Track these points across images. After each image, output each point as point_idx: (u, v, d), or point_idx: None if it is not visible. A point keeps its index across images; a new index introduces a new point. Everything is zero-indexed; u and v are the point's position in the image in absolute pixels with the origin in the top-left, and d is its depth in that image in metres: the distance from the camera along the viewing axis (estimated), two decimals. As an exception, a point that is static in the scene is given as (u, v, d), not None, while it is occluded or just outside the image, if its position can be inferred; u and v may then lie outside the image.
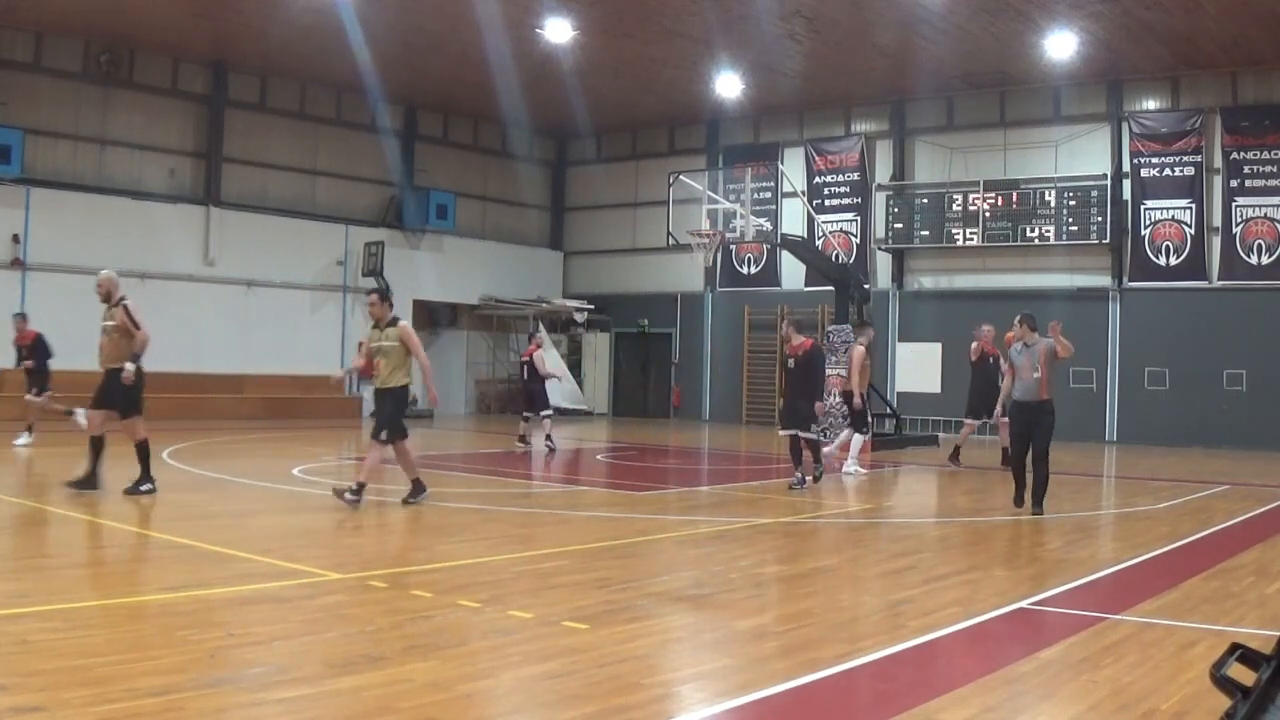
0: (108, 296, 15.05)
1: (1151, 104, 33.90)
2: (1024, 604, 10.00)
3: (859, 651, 8.21)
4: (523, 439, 27.69)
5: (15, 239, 31.97)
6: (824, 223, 37.71)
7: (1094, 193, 33.99)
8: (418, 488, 16.20)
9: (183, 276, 34.26)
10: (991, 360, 23.10)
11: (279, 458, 22.87)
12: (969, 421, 23.94)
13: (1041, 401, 16.31)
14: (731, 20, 29.64)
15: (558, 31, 30.21)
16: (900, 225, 36.89)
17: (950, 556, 12.88)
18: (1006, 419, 18.71)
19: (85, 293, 31.00)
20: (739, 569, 10.41)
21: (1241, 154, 32.42)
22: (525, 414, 27.95)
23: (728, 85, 35.14)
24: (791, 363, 19.41)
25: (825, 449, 21.61)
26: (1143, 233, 33.70)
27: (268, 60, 35.48)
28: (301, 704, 6.68)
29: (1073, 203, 34.13)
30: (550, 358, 41.57)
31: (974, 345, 23.57)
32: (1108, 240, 33.74)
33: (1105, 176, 34.03)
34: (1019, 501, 16.66)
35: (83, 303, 29.71)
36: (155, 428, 24.57)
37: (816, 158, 38.91)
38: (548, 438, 26.89)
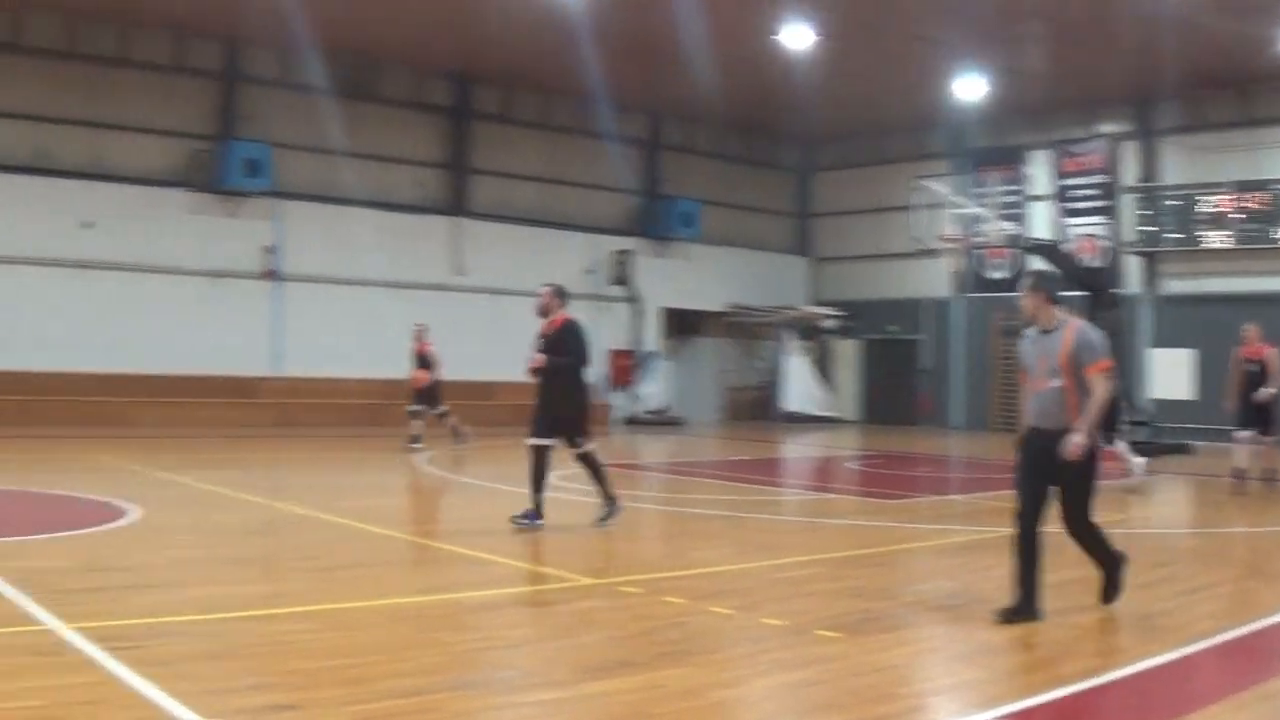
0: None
1: None
2: (1281, 618, 9.65)
3: (1111, 665, 8.00)
4: None
5: (268, 251, 32.89)
6: (1071, 226, 36.93)
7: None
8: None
9: (432, 286, 34.87)
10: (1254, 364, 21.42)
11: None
12: (1244, 434, 21.91)
13: None
14: (972, 22, 29.16)
15: (797, 37, 30.01)
16: (1150, 228, 35.89)
17: (1206, 568, 12.47)
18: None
19: (336, 303, 31.92)
20: (992, 579, 10.23)
21: None
22: None
23: (970, 87, 34.56)
24: None
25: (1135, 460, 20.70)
26: None
27: (510, 71, 35.85)
28: (553, 708, 6.71)
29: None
30: (796, 365, 41.47)
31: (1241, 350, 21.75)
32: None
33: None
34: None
35: (333, 312, 30.59)
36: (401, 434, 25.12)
37: (1062, 159, 38.07)
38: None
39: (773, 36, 29.91)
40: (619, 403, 38.91)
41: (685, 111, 40.65)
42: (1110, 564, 9.84)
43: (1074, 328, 9.66)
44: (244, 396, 31.75)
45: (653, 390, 39.64)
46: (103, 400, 29.72)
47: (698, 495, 18.43)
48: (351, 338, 32.96)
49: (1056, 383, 9.49)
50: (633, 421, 38.16)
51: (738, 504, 17.68)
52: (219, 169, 31.75)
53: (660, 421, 38.26)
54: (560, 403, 14.20)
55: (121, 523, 13.43)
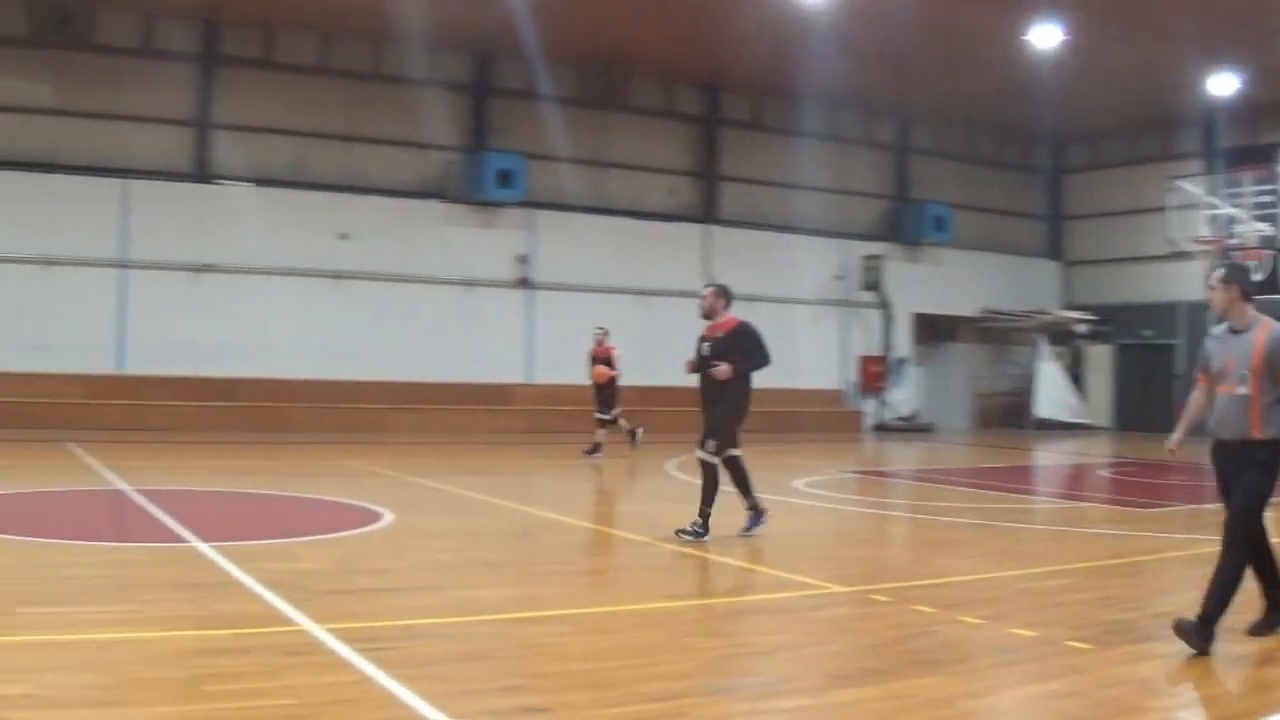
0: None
1: None
2: None
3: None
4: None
5: (520, 260, 33.40)
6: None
7: None
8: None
9: (681, 293, 34.99)
10: None
11: (779, 470, 23.03)
12: None
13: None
14: (1224, 18, 28.38)
15: (1046, 37, 29.55)
16: None
17: None
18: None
19: (587, 310, 32.28)
20: (1245, 590, 9.96)
21: None
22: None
23: (1222, 84, 33.62)
24: None
25: None
26: None
27: (758, 78, 35.86)
28: (802, 715, 6.69)
29: None
30: (1048, 371, 40.68)
31: None
32: None
33: None
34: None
35: (584, 320, 30.90)
36: (659, 440, 25.30)
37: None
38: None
39: (1022, 37, 29.49)
40: (869, 409, 38.67)
41: (934, 114, 40.23)
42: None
43: (1267, 327, 8.63)
44: (497, 403, 32.29)
45: (903, 396, 39.32)
46: (358, 407, 30.51)
47: (948, 503, 18.22)
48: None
49: (1243, 390, 8.52)
50: (883, 428, 37.91)
51: (988, 512, 17.45)
52: (472, 180, 32.39)
53: (910, 428, 37.94)
54: (736, 408, 13.53)
55: (376, 526, 13.75)
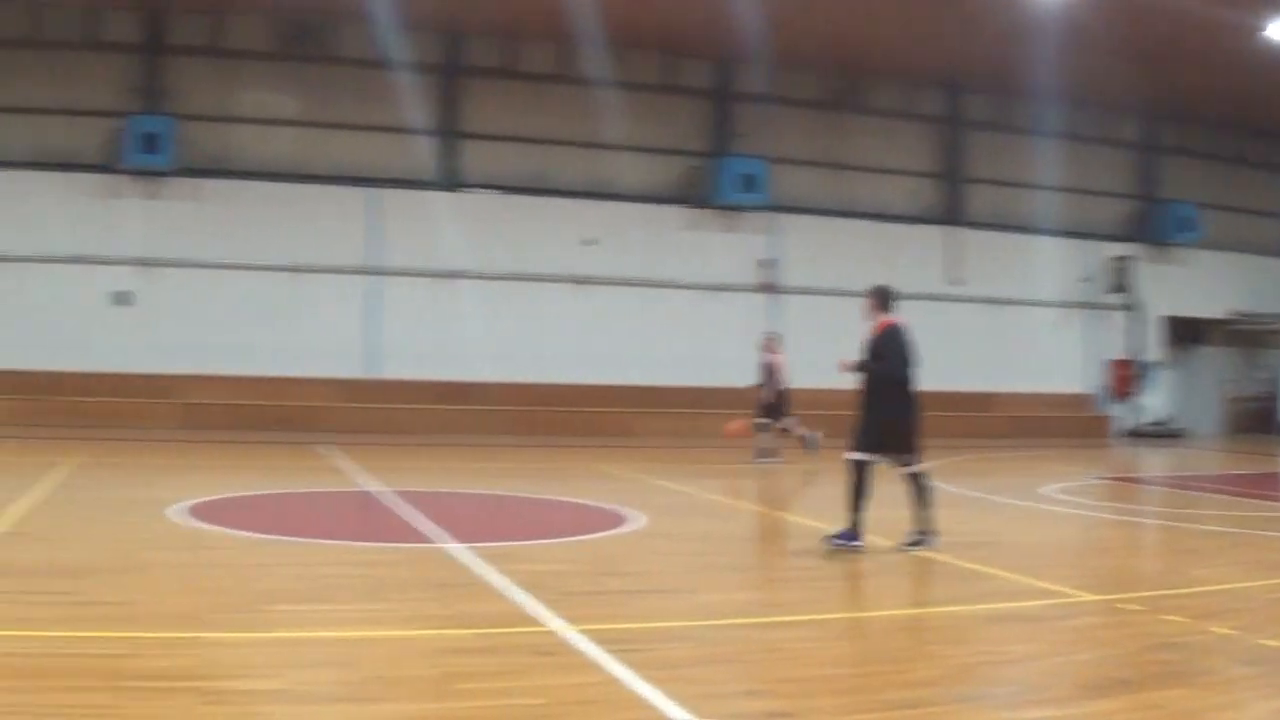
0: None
1: None
2: None
3: None
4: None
5: (764, 264, 33.40)
6: None
7: None
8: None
9: (926, 296, 34.64)
10: None
11: (1028, 476, 22.69)
12: None
13: None
14: None
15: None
16: None
17: None
18: None
19: (830, 314, 32.16)
20: None
21: None
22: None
23: None
24: None
25: None
26: None
27: (999, 77, 35.29)
28: (1052, 725, 6.61)
29: None
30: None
31: None
32: None
33: None
34: None
35: (828, 324, 30.80)
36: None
37: None
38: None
39: (1260, 33, 28.62)
40: (1120, 414, 37.84)
41: (1180, 112, 39.13)
42: None
43: None
44: (739, 408, 32.25)
45: (1154, 401, 38.36)
46: (605, 411, 30.83)
47: (1198, 510, 17.77)
48: (846, 349, 33.09)
49: None
50: (1134, 434, 37.07)
51: (1241, 520, 16.93)
52: (714, 185, 32.47)
53: (1162, 434, 37.04)
54: (882, 415, 12.95)
55: (625, 529, 13.86)
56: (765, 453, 24.09)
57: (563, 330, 31.41)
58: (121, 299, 29.81)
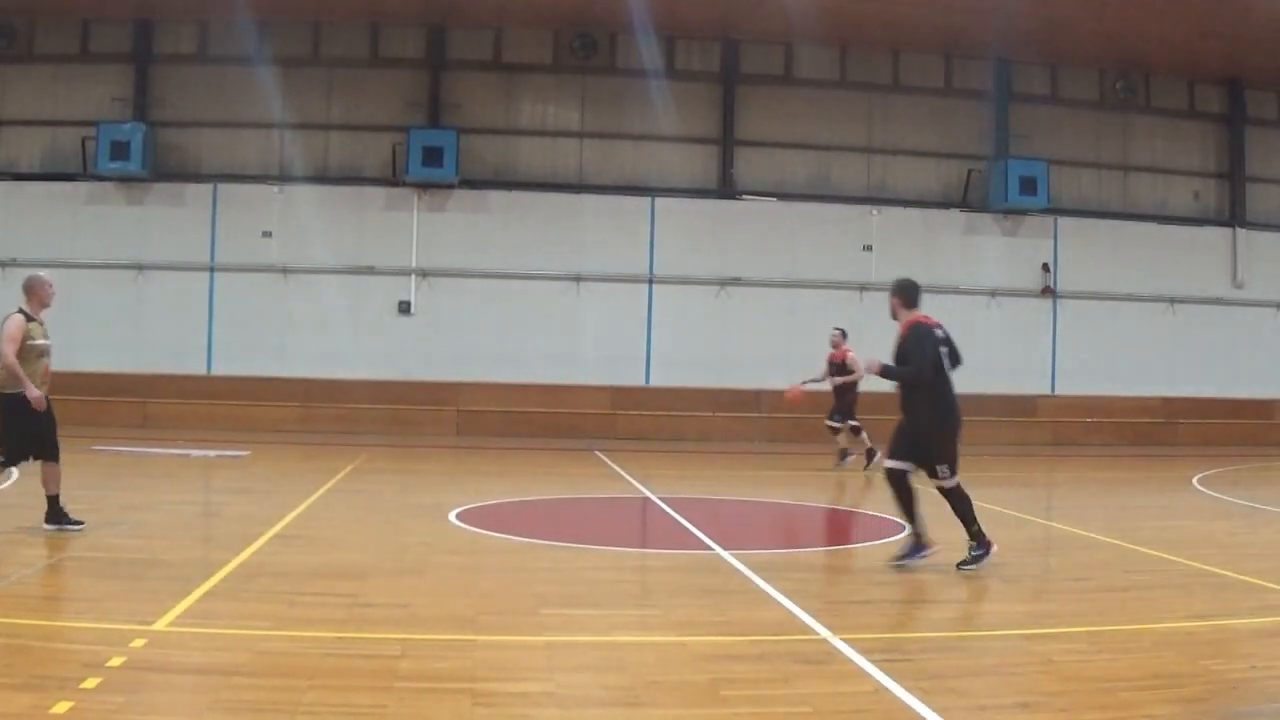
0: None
1: None
2: None
3: None
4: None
5: (1045, 268, 32.81)
6: None
7: None
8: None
9: (1208, 300, 33.62)
10: None
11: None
12: None
13: None
14: None
15: None
16: None
17: None
18: None
19: (1110, 319, 31.44)
20: None
21: None
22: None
23: None
24: None
25: None
26: None
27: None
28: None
29: None
30: None
31: None
32: None
33: None
34: None
35: (1107, 329, 30.16)
36: (1195, 453, 24.33)
37: None
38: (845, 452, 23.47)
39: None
40: None
41: None
42: None
43: None
44: (1021, 415, 31.80)
45: None
46: (887, 418, 30.40)
47: None
48: (1125, 354, 32.42)
49: None
50: None
51: None
52: (994, 188, 32.01)
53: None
54: (913, 422, 12.11)
55: (897, 537, 13.73)
56: (845, 454, 23.48)
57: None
58: (403, 308, 30.69)
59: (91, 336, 29.38)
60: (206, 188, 30.89)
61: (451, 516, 14.60)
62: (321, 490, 17.28)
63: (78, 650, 7.60)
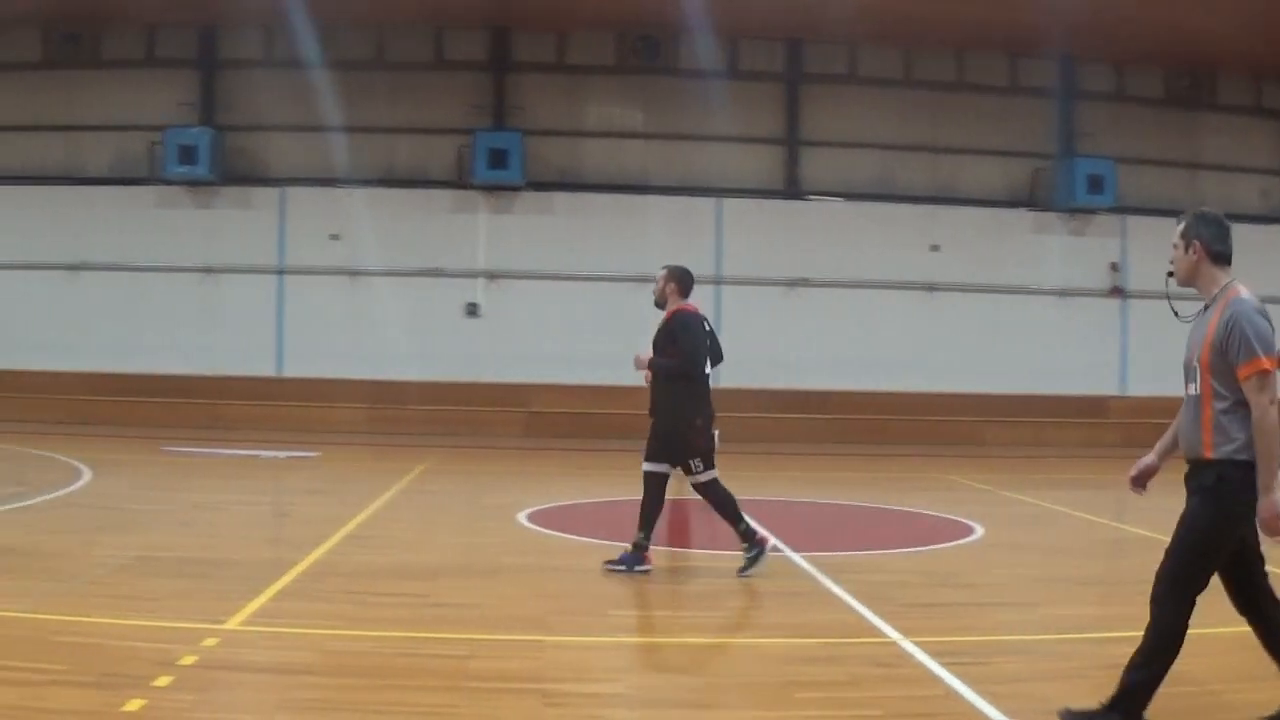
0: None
1: None
2: None
3: None
4: None
5: (1114, 267, 32.55)
6: None
7: None
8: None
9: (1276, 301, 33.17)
10: None
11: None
12: None
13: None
14: None
15: None
16: None
17: None
18: None
19: (1176, 319, 31.08)
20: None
21: None
22: None
23: None
24: None
25: None
26: None
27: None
28: None
29: None
30: None
31: None
32: None
33: None
34: None
35: (1180, 329, 29.79)
36: None
37: None
38: None
39: None
40: None
41: None
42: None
43: (1227, 301, 6.53)
44: (1092, 416, 31.55)
45: None
46: (952, 419, 30.46)
47: None
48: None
49: (1193, 389, 6.47)
50: None
51: None
52: (1061, 187, 31.77)
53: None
54: (663, 416, 11.34)
55: (968, 540, 13.69)
56: None
57: (910, 338, 31.13)
58: (470, 310, 30.78)
59: (161, 339, 29.68)
60: (274, 191, 31.12)
61: (521, 518, 14.65)
62: (391, 491, 17.37)
63: (150, 649, 7.68)
